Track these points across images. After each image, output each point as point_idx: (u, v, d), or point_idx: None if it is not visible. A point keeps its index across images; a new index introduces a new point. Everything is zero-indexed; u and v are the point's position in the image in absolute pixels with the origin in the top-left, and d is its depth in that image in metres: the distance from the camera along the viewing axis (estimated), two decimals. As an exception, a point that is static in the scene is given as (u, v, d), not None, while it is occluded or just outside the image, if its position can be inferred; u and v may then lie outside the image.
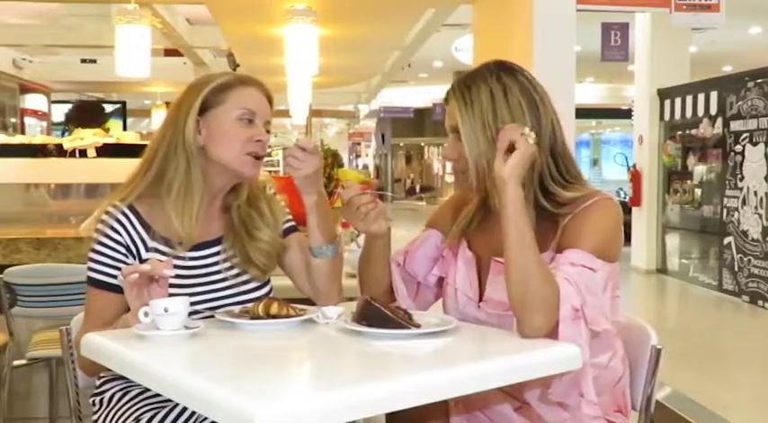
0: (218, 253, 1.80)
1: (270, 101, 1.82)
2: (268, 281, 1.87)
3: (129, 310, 1.63)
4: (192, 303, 1.65)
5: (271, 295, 1.84)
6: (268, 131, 1.79)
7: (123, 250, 1.73)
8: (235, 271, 1.80)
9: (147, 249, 1.74)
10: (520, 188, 1.52)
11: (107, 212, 1.74)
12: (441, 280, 1.85)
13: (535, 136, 1.56)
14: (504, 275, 1.53)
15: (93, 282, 1.73)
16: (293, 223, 1.93)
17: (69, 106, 6.00)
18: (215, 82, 1.76)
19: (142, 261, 1.71)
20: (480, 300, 1.71)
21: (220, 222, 1.83)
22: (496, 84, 1.64)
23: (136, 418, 1.62)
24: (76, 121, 4.76)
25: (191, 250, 1.76)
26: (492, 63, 1.70)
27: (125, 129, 11.15)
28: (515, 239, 1.51)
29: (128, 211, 1.74)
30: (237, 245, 1.81)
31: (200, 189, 1.74)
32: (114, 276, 1.70)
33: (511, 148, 1.53)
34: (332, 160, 4.83)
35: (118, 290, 1.68)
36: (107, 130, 4.72)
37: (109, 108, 12.48)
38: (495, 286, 1.67)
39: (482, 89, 1.64)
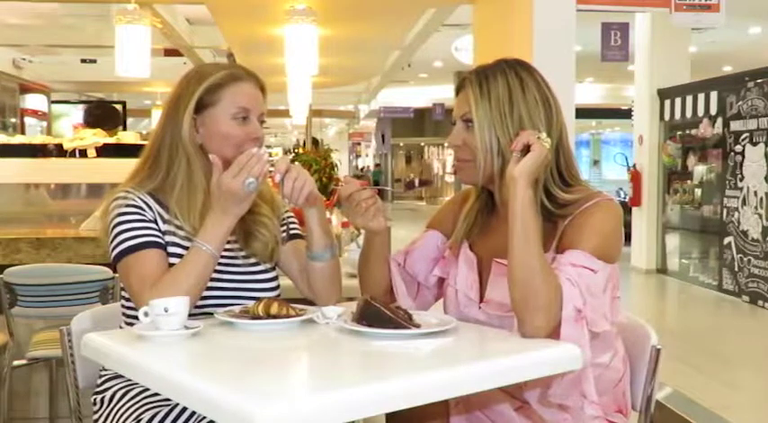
0: (227, 241, 1.81)
1: (263, 92, 1.84)
2: (276, 276, 1.88)
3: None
4: (209, 288, 1.70)
5: (278, 288, 1.87)
6: (263, 122, 1.82)
7: (148, 216, 1.74)
8: (242, 253, 1.82)
9: (165, 222, 1.75)
10: (530, 188, 1.54)
11: (124, 193, 1.76)
12: (441, 281, 1.86)
13: (551, 141, 1.58)
14: (507, 274, 1.54)
15: (136, 247, 1.70)
16: (299, 231, 1.93)
17: (86, 107, 5.92)
18: (208, 81, 1.77)
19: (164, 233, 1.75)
20: (481, 301, 1.71)
21: None
22: (514, 78, 1.66)
23: (137, 417, 1.62)
24: (95, 122, 4.74)
25: None
26: (509, 59, 1.72)
27: (125, 129, 11.12)
28: (520, 238, 1.52)
29: (144, 196, 1.76)
30: (243, 228, 1.81)
31: (203, 186, 1.76)
32: (150, 235, 1.71)
33: (525, 151, 1.55)
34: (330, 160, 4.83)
35: (160, 246, 1.71)
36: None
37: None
38: (496, 287, 1.67)
39: (499, 81, 1.66)
